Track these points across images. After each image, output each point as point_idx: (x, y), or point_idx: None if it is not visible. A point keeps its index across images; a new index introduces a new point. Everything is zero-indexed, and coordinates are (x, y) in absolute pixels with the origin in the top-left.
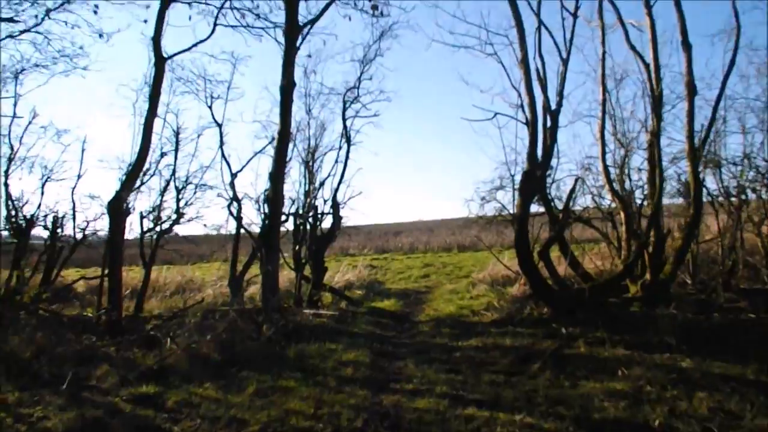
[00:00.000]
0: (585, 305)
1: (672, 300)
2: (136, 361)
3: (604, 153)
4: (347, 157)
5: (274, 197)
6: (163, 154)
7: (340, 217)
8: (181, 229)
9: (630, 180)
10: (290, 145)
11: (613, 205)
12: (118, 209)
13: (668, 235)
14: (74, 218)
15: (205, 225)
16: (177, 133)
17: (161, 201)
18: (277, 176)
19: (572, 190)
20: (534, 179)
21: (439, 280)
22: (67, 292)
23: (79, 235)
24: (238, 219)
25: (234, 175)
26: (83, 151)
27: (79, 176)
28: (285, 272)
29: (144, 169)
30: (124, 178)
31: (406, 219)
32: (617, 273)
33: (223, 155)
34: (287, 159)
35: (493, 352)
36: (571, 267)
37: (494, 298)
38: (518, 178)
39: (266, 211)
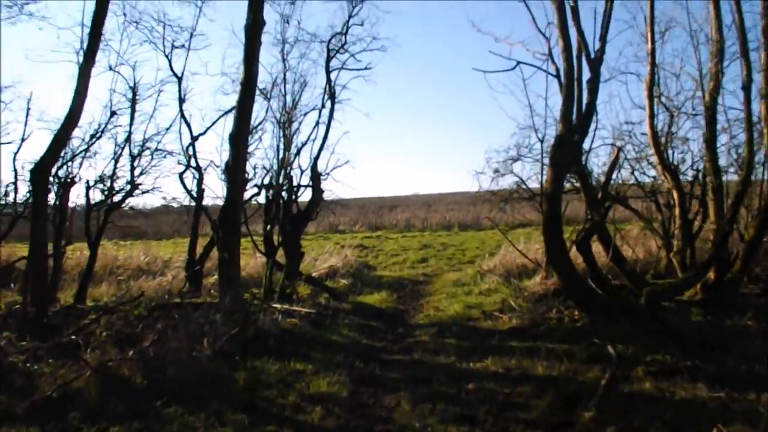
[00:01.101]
0: (635, 312)
1: (738, 306)
2: (38, 380)
3: (652, 117)
4: (331, 118)
5: (234, 165)
6: (113, 113)
7: (321, 191)
8: (143, 201)
9: (674, 151)
10: (263, 104)
11: (659, 181)
12: (42, 178)
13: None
14: (16, 188)
15: (164, 198)
16: (134, 90)
17: (114, 169)
18: (238, 137)
19: (614, 162)
20: (570, 146)
21: (439, 266)
22: (7, 273)
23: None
24: (199, 192)
25: (194, 138)
26: (28, 110)
27: (23, 140)
28: (256, 258)
29: (95, 133)
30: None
31: (401, 192)
32: (685, 277)
33: (182, 114)
34: (257, 120)
35: (522, 386)
36: (615, 261)
37: (510, 294)
38: (539, 147)
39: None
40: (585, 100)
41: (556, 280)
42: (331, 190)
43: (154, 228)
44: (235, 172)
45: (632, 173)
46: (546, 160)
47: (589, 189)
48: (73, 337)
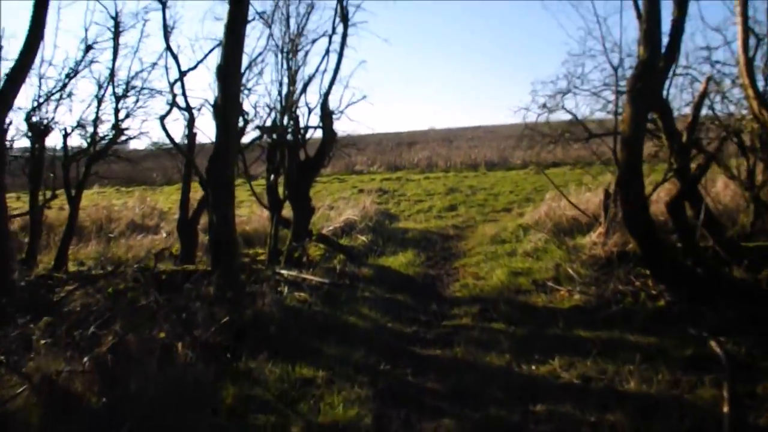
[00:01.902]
0: (752, 295)
1: None
2: None
3: (746, 39)
4: (343, 45)
5: (223, 104)
6: (89, 48)
7: (333, 133)
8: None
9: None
10: (264, 31)
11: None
12: None
13: None
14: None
15: (154, 143)
16: (116, 20)
17: (97, 112)
18: (228, 69)
19: (702, 96)
20: (655, 75)
21: (470, 215)
22: None
23: None
24: (190, 137)
25: (182, 74)
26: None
27: None
28: (261, 210)
29: (71, 71)
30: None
31: (417, 127)
32: None
33: (168, 46)
34: (256, 51)
35: (612, 412)
36: (709, 229)
37: (563, 257)
38: (594, 76)
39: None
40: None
41: (618, 239)
42: (346, 128)
43: (159, 172)
44: (224, 112)
45: (711, 108)
46: (605, 94)
47: (672, 131)
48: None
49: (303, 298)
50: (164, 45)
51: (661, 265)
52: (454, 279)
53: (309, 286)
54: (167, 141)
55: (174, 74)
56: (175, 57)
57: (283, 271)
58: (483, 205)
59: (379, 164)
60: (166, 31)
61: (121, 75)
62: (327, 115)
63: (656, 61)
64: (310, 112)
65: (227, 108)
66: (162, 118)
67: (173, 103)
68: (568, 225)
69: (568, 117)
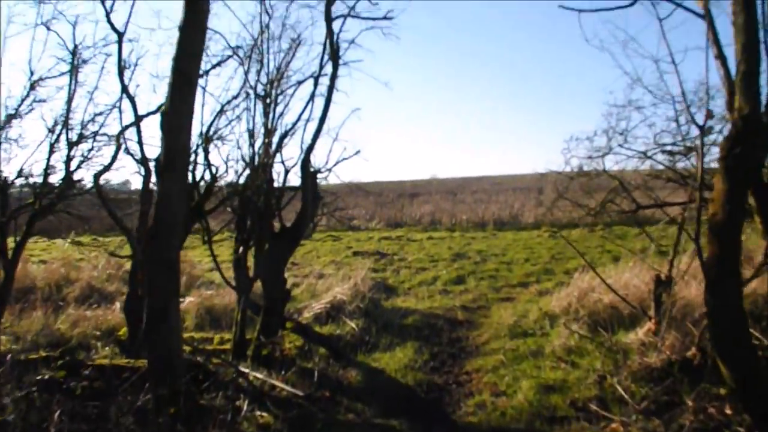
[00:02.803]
0: None
1: None
2: None
3: None
4: (332, 88)
5: (166, 162)
6: (34, 85)
7: (318, 197)
8: None
9: None
10: (238, 69)
11: None
12: None
13: None
14: None
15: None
16: (74, 54)
17: (49, 159)
18: (176, 116)
19: None
20: (759, 137)
21: (481, 290)
22: None
23: None
24: (144, 196)
25: (138, 118)
26: None
27: None
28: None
29: (15, 111)
30: None
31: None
32: None
33: (122, 83)
34: (228, 93)
35: None
36: None
37: (605, 364)
38: (647, 133)
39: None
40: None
41: (675, 341)
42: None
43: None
44: (170, 169)
45: None
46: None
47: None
48: None
49: (265, 423)
50: (119, 84)
51: (759, 399)
52: (466, 392)
53: (277, 400)
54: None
55: (129, 119)
56: (131, 98)
57: (249, 372)
58: (495, 276)
59: (379, 219)
60: (122, 67)
61: (76, 117)
62: (309, 175)
63: (758, 115)
64: (286, 172)
65: (171, 169)
66: (98, 174)
67: (114, 155)
68: (606, 315)
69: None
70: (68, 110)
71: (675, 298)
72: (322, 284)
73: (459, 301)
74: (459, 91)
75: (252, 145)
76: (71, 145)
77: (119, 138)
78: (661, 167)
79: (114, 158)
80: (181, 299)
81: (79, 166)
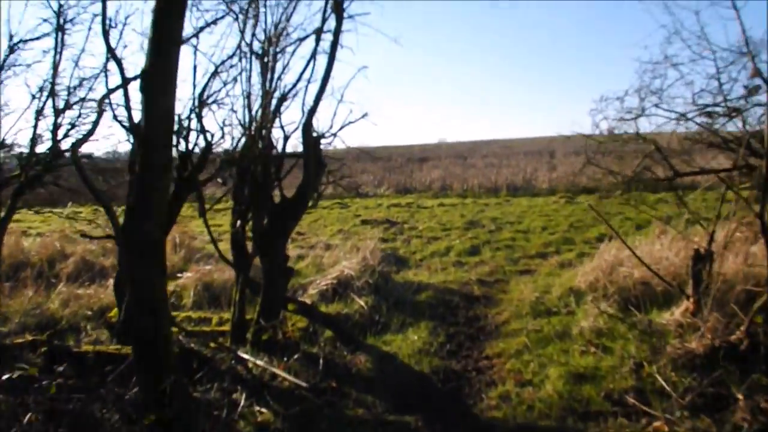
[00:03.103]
0: None
1: None
2: None
3: None
4: (335, 44)
5: (147, 128)
6: (12, 48)
7: (322, 164)
8: None
9: None
10: (233, 26)
11: None
12: None
13: None
14: None
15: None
16: (59, 14)
17: (35, 129)
18: (156, 75)
19: None
20: None
21: (498, 262)
22: None
23: None
24: (131, 165)
25: (125, 81)
26: None
27: None
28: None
29: None
30: None
31: (425, 138)
32: None
33: (107, 44)
34: (224, 53)
35: None
36: None
37: (641, 349)
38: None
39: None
40: None
41: (717, 323)
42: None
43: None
44: (148, 142)
45: None
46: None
47: None
48: None
49: (264, 421)
50: (104, 45)
51: None
52: (487, 381)
53: (278, 392)
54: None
55: (117, 82)
56: (118, 61)
57: (249, 358)
58: (511, 246)
59: (387, 185)
60: (106, 27)
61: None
62: (312, 141)
63: None
64: (286, 138)
65: (152, 137)
66: (77, 143)
67: (96, 122)
68: (637, 292)
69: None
70: (54, 75)
71: (717, 276)
72: (328, 257)
73: (475, 274)
74: (468, 52)
75: (248, 108)
76: (58, 112)
77: (101, 103)
78: (699, 130)
79: (95, 125)
80: (179, 275)
81: (66, 135)
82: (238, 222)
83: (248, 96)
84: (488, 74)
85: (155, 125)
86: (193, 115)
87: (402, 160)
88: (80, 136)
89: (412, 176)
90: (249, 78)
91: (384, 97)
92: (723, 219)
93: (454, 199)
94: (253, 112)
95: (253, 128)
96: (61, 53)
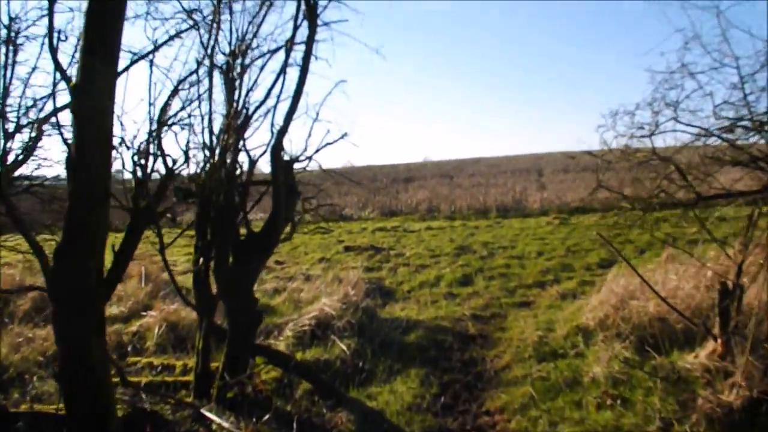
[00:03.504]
0: None
1: None
2: None
3: None
4: (308, 54)
5: (80, 150)
6: None
7: (295, 192)
8: None
9: None
10: (196, 38)
11: None
12: None
13: None
14: None
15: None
16: (10, 28)
17: None
18: (91, 91)
19: None
20: None
21: (493, 293)
22: None
23: None
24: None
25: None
26: None
27: None
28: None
29: None
30: None
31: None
32: None
33: (54, 58)
34: (186, 68)
35: None
36: None
37: (666, 402)
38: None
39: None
40: None
41: (753, 370)
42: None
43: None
44: (80, 172)
45: None
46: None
47: None
48: None
49: None
50: (51, 60)
51: None
52: None
53: None
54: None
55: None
56: (66, 78)
57: (212, 417)
58: (506, 275)
59: (372, 208)
60: (53, 40)
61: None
62: (282, 165)
63: None
64: (252, 163)
65: (86, 163)
66: (10, 168)
67: (33, 144)
68: (654, 331)
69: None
70: (5, 95)
71: (750, 313)
72: (307, 291)
73: (468, 307)
74: (450, 68)
75: (210, 130)
76: (8, 135)
77: (40, 125)
78: (722, 146)
79: (32, 148)
80: (144, 312)
81: (18, 161)
82: (200, 259)
83: (209, 115)
84: (472, 89)
85: (90, 150)
86: (151, 138)
87: (387, 180)
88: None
89: (397, 197)
90: (209, 95)
91: (365, 113)
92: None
93: (442, 222)
94: (214, 134)
95: (216, 152)
96: (12, 71)
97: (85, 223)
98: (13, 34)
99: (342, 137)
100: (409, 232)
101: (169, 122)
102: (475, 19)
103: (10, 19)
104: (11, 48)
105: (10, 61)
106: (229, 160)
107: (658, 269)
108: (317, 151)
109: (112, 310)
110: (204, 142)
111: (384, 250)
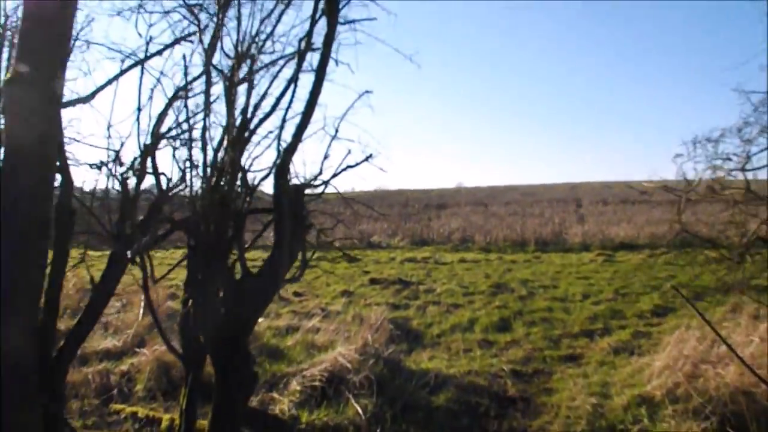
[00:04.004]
0: None
1: None
2: None
3: None
4: (326, 56)
5: (11, 165)
6: None
7: (303, 223)
8: None
9: None
10: (195, 42)
11: None
12: None
13: None
14: None
15: None
16: None
17: None
18: (28, 89)
19: None
20: None
21: (534, 342)
22: None
23: None
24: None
25: None
26: None
27: None
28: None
29: None
30: None
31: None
32: None
33: None
34: (186, 75)
35: None
36: None
37: None
38: None
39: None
40: None
41: None
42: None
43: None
44: (15, 156)
45: None
46: None
47: None
48: None
49: None
50: None
51: None
52: None
53: None
54: None
55: None
56: None
57: None
58: (548, 320)
59: (402, 236)
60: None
61: None
62: (289, 191)
63: None
64: (250, 189)
65: (18, 181)
66: None
67: None
68: (737, 407)
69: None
70: None
71: None
72: (324, 332)
73: (506, 360)
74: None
75: (203, 146)
76: None
77: None
78: None
79: None
80: (138, 349)
81: None
82: (189, 301)
83: (204, 130)
84: (506, 114)
85: (22, 162)
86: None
87: (419, 206)
88: None
89: (429, 225)
90: (207, 103)
91: (395, 133)
92: None
93: (477, 254)
94: (208, 152)
95: (212, 172)
96: None
97: (18, 262)
98: None
99: (366, 159)
100: (441, 264)
101: (167, 135)
102: (513, 37)
103: None
104: None
105: None
106: (225, 183)
107: (738, 330)
108: (335, 175)
109: (105, 343)
110: (197, 160)
111: (413, 284)
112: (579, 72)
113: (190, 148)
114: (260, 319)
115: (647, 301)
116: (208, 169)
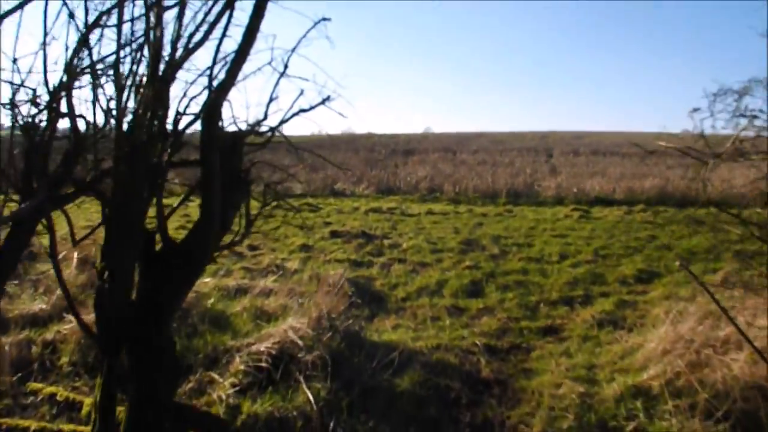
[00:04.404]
0: None
1: None
2: None
3: None
4: None
5: None
6: None
7: (240, 182)
8: None
9: None
10: None
11: None
12: None
13: None
14: None
15: None
16: None
17: None
18: None
19: None
20: None
21: (509, 310)
22: None
23: None
24: None
25: None
26: None
27: None
28: None
29: None
30: None
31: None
32: None
33: None
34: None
35: None
36: None
37: None
38: None
39: None
40: None
41: None
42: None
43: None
44: None
45: None
46: None
47: None
48: None
49: None
50: None
51: None
52: None
53: None
54: None
55: None
56: None
57: None
58: (524, 283)
59: (367, 183)
60: None
61: None
62: (220, 140)
63: None
64: (173, 140)
65: None
66: None
67: None
68: (748, 405)
69: None
70: None
71: None
72: (276, 297)
73: (479, 332)
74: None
75: (116, 82)
76: None
77: None
78: None
79: None
80: (66, 315)
81: None
82: (106, 273)
83: (117, 61)
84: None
85: None
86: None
87: (386, 151)
88: None
89: (396, 172)
90: (118, 34)
91: (358, 76)
92: None
93: (446, 205)
94: (125, 90)
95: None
96: None
97: None
98: None
99: (323, 102)
100: (408, 216)
101: (86, 71)
102: None
103: None
104: None
105: None
106: (144, 130)
107: (733, 301)
108: (284, 120)
109: (32, 306)
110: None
111: (377, 238)
112: (558, 14)
113: (96, 86)
114: (207, 279)
115: (629, 264)
116: (123, 110)
